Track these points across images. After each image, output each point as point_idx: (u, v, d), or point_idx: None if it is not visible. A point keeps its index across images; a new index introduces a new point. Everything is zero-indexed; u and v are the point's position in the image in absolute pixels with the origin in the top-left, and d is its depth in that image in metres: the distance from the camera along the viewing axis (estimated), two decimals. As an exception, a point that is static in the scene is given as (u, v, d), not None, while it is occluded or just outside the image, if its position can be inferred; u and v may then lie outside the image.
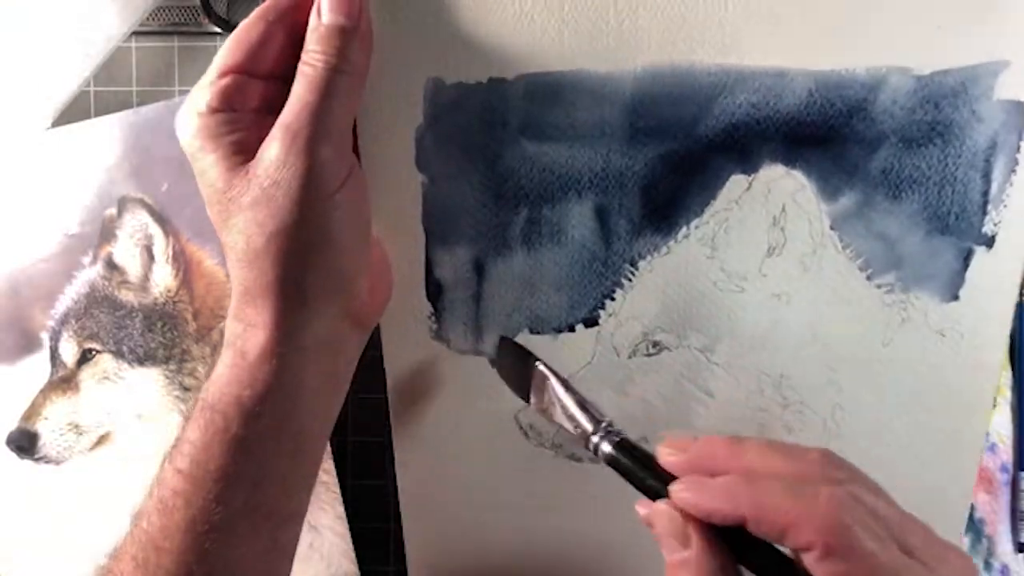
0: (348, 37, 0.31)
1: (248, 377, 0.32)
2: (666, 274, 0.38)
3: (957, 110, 0.35)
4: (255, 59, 0.32)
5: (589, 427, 0.32)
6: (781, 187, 0.36)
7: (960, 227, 0.36)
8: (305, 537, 0.49)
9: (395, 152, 0.36)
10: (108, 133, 0.47)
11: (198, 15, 0.47)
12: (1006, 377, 0.45)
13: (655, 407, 0.41)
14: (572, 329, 0.39)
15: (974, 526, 0.46)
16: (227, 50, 0.32)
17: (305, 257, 0.32)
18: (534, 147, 0.36)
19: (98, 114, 0.48)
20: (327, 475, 0.47)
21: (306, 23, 0.32)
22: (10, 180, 0.48)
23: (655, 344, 0.39)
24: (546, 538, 0.43)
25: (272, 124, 0.31)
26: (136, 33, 0.47)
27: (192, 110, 0.31)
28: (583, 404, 0.33)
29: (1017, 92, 0.34)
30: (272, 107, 0.32)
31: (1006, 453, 0.46)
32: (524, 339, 0.40)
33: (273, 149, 0.30)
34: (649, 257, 0.38)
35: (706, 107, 0.35)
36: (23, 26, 0.44)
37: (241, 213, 0.31)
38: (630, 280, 0.38)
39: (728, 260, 0.38)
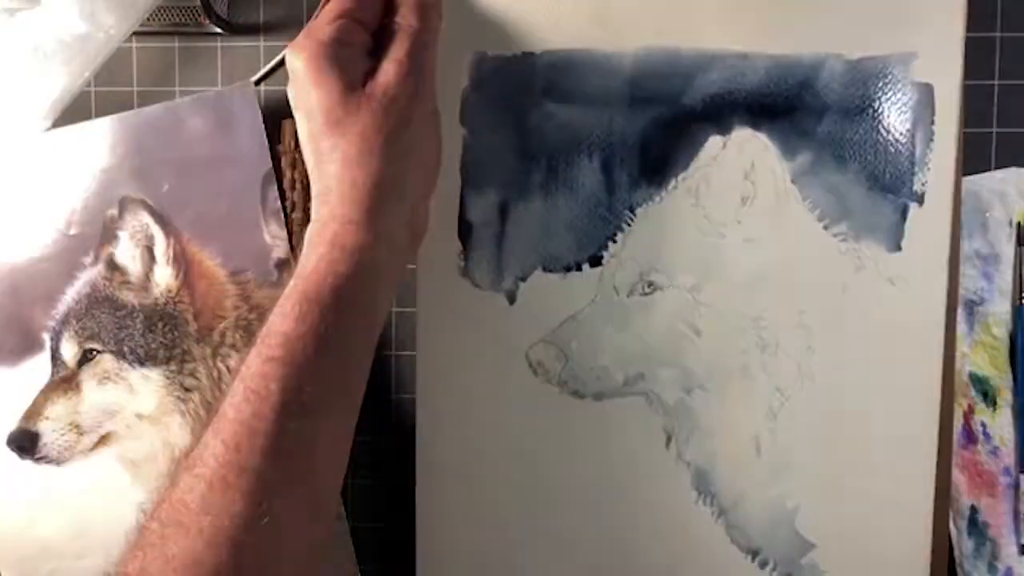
0: (432, 7, 0.41)
1: (344, 267, 0.36)
2: (660, 220, 0.46)
3: (881, 89, 0.45)
4: (359, 9, 0.40)
5: None
6: (750, 147, 0.45)
7: (895, 184, 0.45)
8: None
9: (444, 108, 0.46)
10: (109, 133, 0.48)
11: (198, 15, 0.46)
12: (1006, 379, 0.49)
13: (650, 344, 0.47)
14: (579, 268, 0.46)
15: (978, 529, 0.49)
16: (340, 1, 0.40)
17: (406, 160, 0.39)
18: (554, 107, 0.46)
19: (98, 114, 0.48)
20: None
21: None
22: (11, 180, 0.48)
23: (650, 284, 0.46)
24: (548, 466, 0.47)
25: (368, 64, 0.39)
26: (136, 33, 0.47)
27: (315, 40, 0.38)
28: None
29: (927, 77, 0.45)
30: (371, 50, 0.40)
31: (1008, 456, 0.48)
32: (538, 277, 0.47)
33: (391, 73, 0.39)
34: (645, 205, 0.46)
35: (688, 81, 0.45)
36: (23, 26, 0.44)
37: (360, 120, 0.37)
38: (629, 225, 0.46)
39: (710, 209, 0.46)
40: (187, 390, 0.48)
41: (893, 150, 0.45)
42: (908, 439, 0.46)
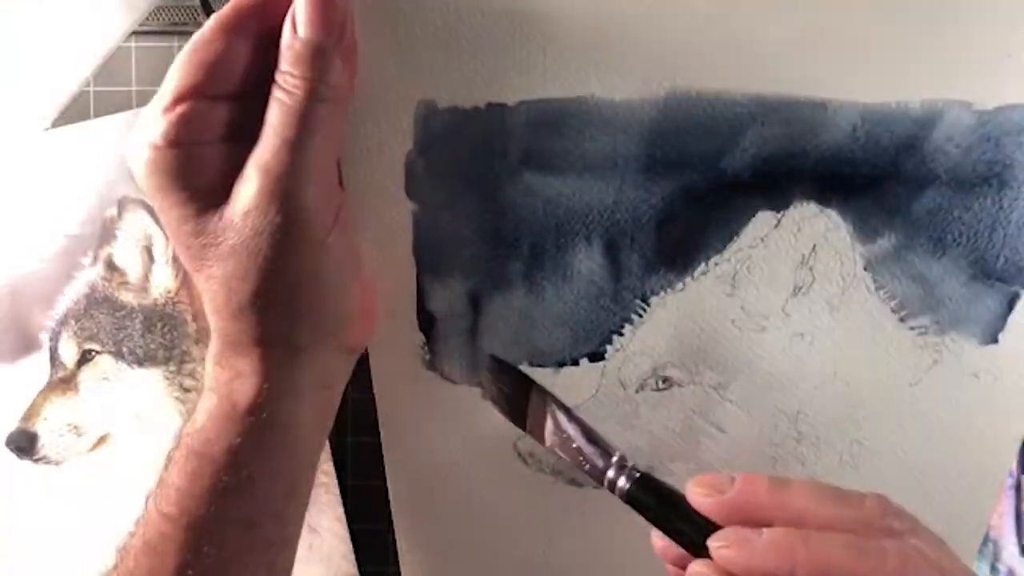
0: (329, 56, 0.27)
1: (239, 427, 0.30)
2: (680, 311, 0.35)
3: (1020, 148, 0.30)
4: (216, 79, 0.27)
5: (600, 462, 0.29)
6: (813, 226, 0.33)
7: (1008, 271, 0.33)
8: (305, 539, 0.48)
9: (383, 177, 0.32)
10: (108, 133, 0.46)
11: (198, 15, 0.46)
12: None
13: (662, 440, 0.38)
14: (576, 363, 0.36)
15: (979, 530, 0.45)
16: (181, 70, 0.27)
17: (294, 308, 0.29)
18: (537, 179, 0.32)
19: (98, 114, 0.47)
20: (327, 476, 0.47)
21: (276, 30, 0.27)
22: (10, 181, 0.47)
23: (665, 380, 0.37)
24: (550, 566, 0.42)
25: (243, 152, 0.27)
26: (136, 33, 0.46)
27: (144, 143, 0.27)
28: (591, 435, 0.30)
29: (1090, 129, 0.30)
30: (241, 133, 0.28)
31: (1009, 457, 0.44)
32: (523, 371, 0.37)
33: (251, 193, 0.27)
34: (662, 293, 0.35)
35: (734, 139, 0.31)
36: (23, 26, 0.43)
37: (219, 263, 0.28)
38: (640, 316, 0.35)
39: (749, 299, 0.34)
40: (186, 391, 0.47)
41: (1016, 229, 0.32)
42: (957, 529, 0.40)
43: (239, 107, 0.28)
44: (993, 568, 0.45)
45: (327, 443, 0.44)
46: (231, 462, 0.29)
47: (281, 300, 0.28)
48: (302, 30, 0.27)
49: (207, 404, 0.30)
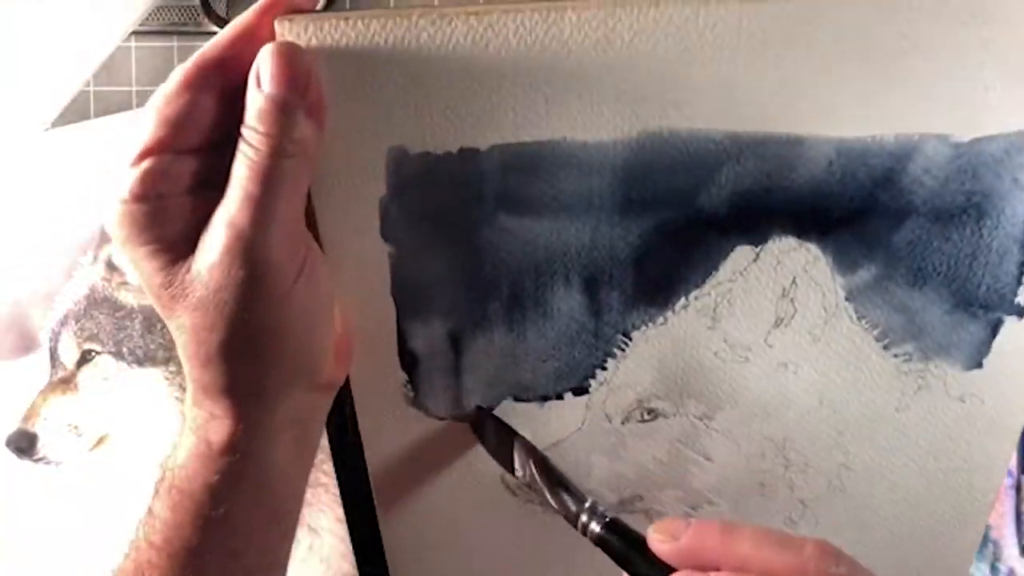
0: (293, 112, 0.27)
1: (216, 465, 0.30)
2: (663, 344, 0.35)
3: (998, 179, 0.30)
4: (181, 134, 0.27)
5: (573, 507, 0.31)
6: (792, 260, 0.32)
7: (990, 298, 0.33)
8: (304, 540, 0.49)
9: (359, 221, 0.32)
10: (108, 134, 0.47)
11: (198, 15, 0.46)
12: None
13: (649, 470, 0.38)
14: (560, 397, 0.36)
15: (980, 530, 0.45)
16: (146, 127, 0.27)
17: (261, 357, 0.29)
18: (514, 221, 0.32)
19: (98, 114, 0.48)
20: (326, 477, 0.47)
21: (241, 81, 0.27)
22: (10, 181, 0.48)
23: (650, 411, 0.37)
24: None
25: (211, 201, 0.27)
26: (136, 33, 0.47)
27: (115, 197, 0.27)
28: (564, 483, 0.32)
29: (1069, 157, 0.30)
30: (209, 182, 0.28)
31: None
32: (508, 407, 0.37)
33: (216, 249, 0.27)
34: (644, 328, 0.34)
35: (709, 176, 0.31)
36: (23, 26, 0.44)
37: (187, 314, 0.28)
38: (623, 350, 0.35)
39: (731, 331, 0.34)
40: (186, 391, 0.46)
41: (997, 256, 0.32)
42: (945, 548, 0.40)
43: (205, 159, 0.28)
44: (993, 568, 0.46)
45: (326, 444, 0.44)
46: (210, 498, 0.30)
47: (248, 350, 0.28)
48: (266, 86, 0.27)
49: (187, 443, 0.31)
